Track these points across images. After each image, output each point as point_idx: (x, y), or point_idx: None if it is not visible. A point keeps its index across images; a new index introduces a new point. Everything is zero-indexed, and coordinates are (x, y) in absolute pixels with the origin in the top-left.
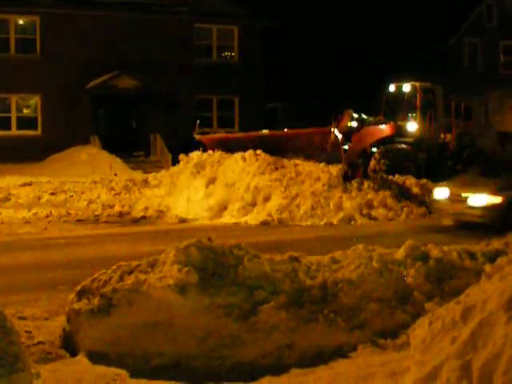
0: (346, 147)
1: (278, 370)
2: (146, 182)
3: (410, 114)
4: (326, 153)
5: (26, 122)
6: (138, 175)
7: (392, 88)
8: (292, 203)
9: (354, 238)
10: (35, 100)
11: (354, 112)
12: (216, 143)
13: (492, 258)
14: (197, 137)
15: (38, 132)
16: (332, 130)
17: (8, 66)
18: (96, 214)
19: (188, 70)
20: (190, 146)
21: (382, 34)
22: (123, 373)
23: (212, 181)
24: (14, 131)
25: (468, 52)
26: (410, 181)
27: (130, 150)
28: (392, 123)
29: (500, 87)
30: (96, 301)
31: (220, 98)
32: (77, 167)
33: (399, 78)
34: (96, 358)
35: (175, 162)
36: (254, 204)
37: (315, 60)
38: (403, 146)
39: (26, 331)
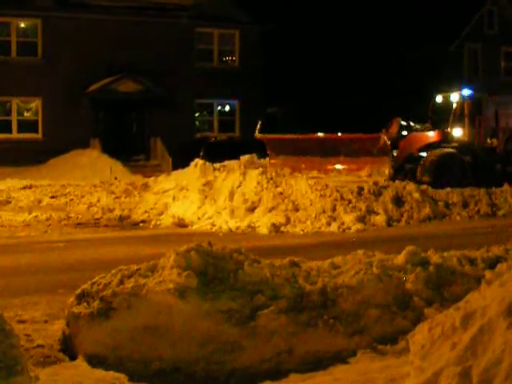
0: (395, 153)
1: (277, 375)
2: (146, 186)
3: (457, 121)
4: (373, 157)
5: (26, 126)
6: (139, 179)
7: (439, 98)
8: (293, 210)
9: (353, 238)
10: (36, 103)
11: (402, 120)
12: (275, 143)
13: (492, 264)
14: (258, 136)
15: (39, 135)
16: (382, 135)
17: (9, 69)
18: (96, 217)
19: (189, 74)
20: (190, 149)
21: (381, 40)
22: (122, 377)
23: (211, 187)
24: (15, 134)
25: (468, 58)
26: (410, 186)
27: (131, 153)
28: (439, 130)
29: (500, 93)
30: (96, 304)
31: (221, 102)
32: (77, 171)
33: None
34: (95, 361)
35: (175, 165)
36: (253, 210)
37: (315, 65)
38: (450, 150)
39: (26, 334)
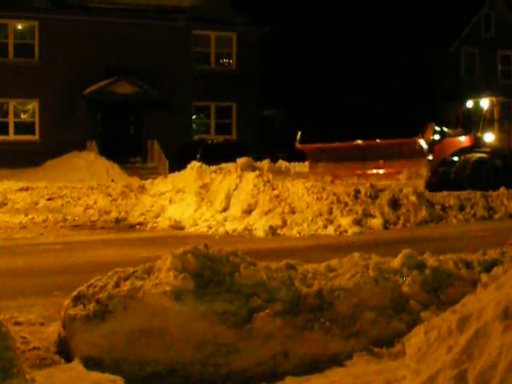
0: (430, 157)
1: (273, 378)
2: (142, 188)
3: (487, 126)
4: (411, 160)
5: (23, 127)
6: (135, 181)
7: (470, 103)
8: (289, 213)
9: (353, 239)
10: (33, 105)
11: (436, 125)
12: (315, 152)
13: (488, 267)
14: (298, 146)
15: (36, 137)
16: (417, 139)
17: (6, 71)
18: (92, 219)
19: (186, 76)
20: (187, 152)
21: (380, 41)
22: (118, 379)
23: (207, 189)
24: (12, 136)
25: (466, 61)
26: (407, 189)
27: (127, 155)
28: (471, 135)
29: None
30: (91, 307)
31: (217, 105)
32: (74, 173)
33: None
34: (91, 364)
35: (172, 168)
36: (250, 213)
37: (314, 67)
38: (482, 154)
39: (21, 337)
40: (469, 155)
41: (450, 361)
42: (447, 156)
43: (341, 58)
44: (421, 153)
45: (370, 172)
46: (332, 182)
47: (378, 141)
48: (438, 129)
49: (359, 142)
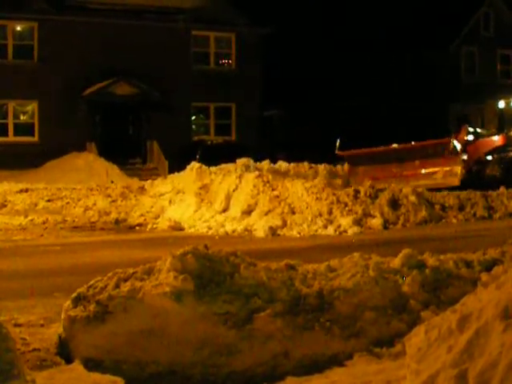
0: (465, 157)
1: (274, 378)
2: (142, 189)
3: None
4: (445, 160)
5: (23, 129)
6: (135, 182)
7: (501, 103)
8: (289, 213)
9: (353, 239)
10: (32, 106)
11: (470, 126)
12: (355, 157)
13: (489, 266)
14: (338, 152)
15: (35, 138)
16: (451, 140)
17: (5, 72)
18: (92, 220)
19: (185, 77)
20: (186, 153)
21: (378, 42)
22: (119, 380)
23: (207, 190)
24: (11, 137)
25: (465, 60)
26: (407, 189)
27: (127, 156)
28: (503, 134)
29: (497, 96)
30: (92, 308)
31: (217, 106)
32: (73, 174)
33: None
34: (91, 365)
35: (172, 169)
36: (250, 213)
37: (314, 67)
38: None
39: (22, 338)
40: (502, 154)
41: (450, 360)
42: (481, 155)
43: (341, 59)
44: (455, 153)
45: (406, 173)
46: (371, 184)
47: (413, 143)
48: (471, 129)
49: (395, 145)
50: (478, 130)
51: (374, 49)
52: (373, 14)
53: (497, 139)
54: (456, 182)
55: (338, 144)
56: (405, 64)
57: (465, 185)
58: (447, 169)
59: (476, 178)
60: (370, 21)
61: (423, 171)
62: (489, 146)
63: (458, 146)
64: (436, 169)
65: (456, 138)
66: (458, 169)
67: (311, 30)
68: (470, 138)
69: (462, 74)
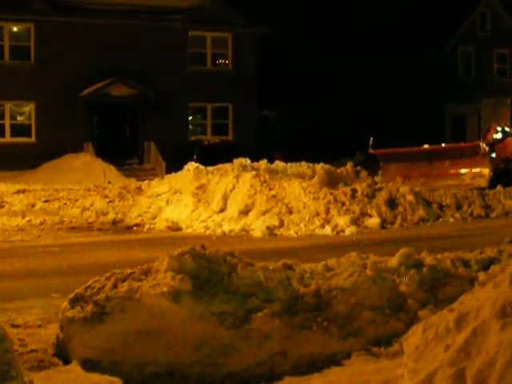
0: (493, 155)
1: (272, 378)
2: (139, 190)
3: None
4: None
5: (20, 129)
6: (132, 182)
7: None
8: (286, 213)
9: (353, 238)
10: (29, 107)
11: (498, 126)
12: (387, 156)
13: (486, 265)
14: (372, 151)
15: (32, 139)
16: (481, 144)
17: (2, 73)
18: (90, 221)
19: (182, 77)
20: (183, 153)
21: (376, 41)
22: (117, 381)
23: (204, 190)
24: (8, 138)
25: (462, 60)
26: (404, 188)
27: (124, 157)
28: None
29: (493, 95)
30: (89, 308)
31: (214, 106)
32: (71, 174)
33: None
34: (89, 366)
35: (169, 169)
36: (247, 213)
37: (311, 67)
38: None
39: (19, 339)
40: None
41: (447, 359)
42: (509, 155)
43: (339, 58)
44: (483, 155)
45: (436, 172)
46: (403, 182)
47: (443, 145)
48: (499, 128)
49: (426, 146)
50: (507, 128)
51: (371, 48)
52: (370, 13)
53: None
54: (484, 183)
55: (371, 143)
56: (403, 63)
57: (493, 185)
58: (476, 170)
59: (503, 176)
60: (368, 20)
61: (452, 171)
62: None
63: (486, 149)
64: (465, 170)
65: (484, 139)
66: (487, 171)
67: (309, 29)
68: (499, 136)
69: (459, 73)
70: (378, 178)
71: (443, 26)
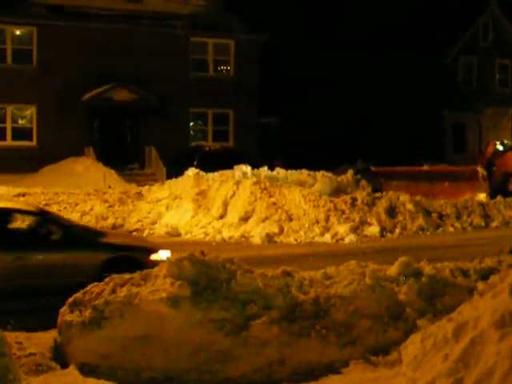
0: (494, 168)
1: None
2: (139, 195)
3: None
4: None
5: (21, 133)
6: (132, 187)
7: None
8: (286, 220)
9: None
10: (31, 111)
11: (497, 141)
12: (389, 174)
13: (485, 275)
14: (373, 169)
15: (33, 143)
16: (479, 169)
17: (4, 77)
18: (89, 225)
19: (184, 83)
20: (184, 158)
21: (377, 49)
22: None
23: (205, 196)
24: (9, 142)
25: (464, 70)
26: (404, 197)
27: (125, 162)
28: None
29: (495, 105)
30: (88, 313)
31: (215, 112)
32: (71, 179)
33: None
34: (87, 370)
35: (169, 174)
36: (247, 220)
37: (311, 68)
38: None
39: (17, 342)
40: None
41: (445, 369)
42: (508, 169)
43: (340, 59)
44: (481, 178)
45: (436, 191)
46: None
47: (440, 167)
48: (498, 143)
49: (426, 167)
50: (506, 141)
51: (372, 49)
52: (371, 14)
53: None
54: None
55: (367, 166)
56: (403, 65)
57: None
58: (474, 193)
59: (501, 190)
60: (369, 21)
61: (451, 192)
62: None
63: (485, 173)
64: (463, 192)
65: (484, 154)
66: (484, 196)
67: (308, 31)
68: (501, 148)
69: (460, 82)
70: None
71: (446, 35)
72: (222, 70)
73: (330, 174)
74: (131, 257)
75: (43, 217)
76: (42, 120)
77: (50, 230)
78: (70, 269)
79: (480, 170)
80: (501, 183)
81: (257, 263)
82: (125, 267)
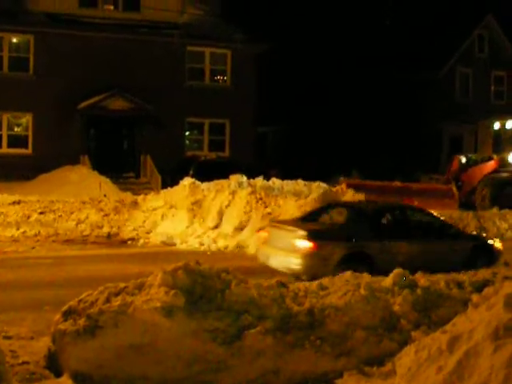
0: (460, 183)
1: None
2: (135, 204)
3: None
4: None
5: (16, 141)
6: (128, 196)
7: (497, 125)
8: None
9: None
10: (27, 118)
11: (462, 155)
12: (360, 186)
13: (479, 287)
14: (343, 180)
15: (29, 151)
16: (452, 187)
17: (0, 84)
18: (84, 234)
19: (180, 92)
20: (179, 168)
21: (374, 59)
22: None
23: (200, 206)
24: (5, 149)
25: (459, 81)
26: None
27: (120, 170)
28: (496, 157)
29: (490, 117)
30: (82, 322)
31: (211, 121)
32: (66, 187)
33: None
34: (80, 379)
35: (165, 184)
36: (242, 230)
37: (306, 82)
38: (503, 174)
39: (11, 350)
40: (490, 176)
41: (440, 381)
42: (475, 185)
43: (337, 70)
44: (452, 197)
45: None
46: None
47: (413, 184)
48: (463, 157)
49: (397, 183)
50: (470, 155)
51: (369, 65)
52: (368, 32)
53: (489, 163)
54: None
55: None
56: (399, 82)
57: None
58: (444, 211)
59: (467, 205)
60: (366, 38)
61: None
62: (481, 173)
63: (457, 193)
64: (433, 209)
65: (449, 170)
66: (453, 211)
67: (307, 43)
68: (463, 160)
69: (456, 95)
70: None
71: (441, 47)
72: (219, 79)
73: (325, 185)
74: (486, 244)
75: (436, 219)
76: (38, 128)
77: (444, 226)
78: (456, 253)
79: (454, 188)
80: (467, 197)
81: (252, 273)
82: (484, 253)
